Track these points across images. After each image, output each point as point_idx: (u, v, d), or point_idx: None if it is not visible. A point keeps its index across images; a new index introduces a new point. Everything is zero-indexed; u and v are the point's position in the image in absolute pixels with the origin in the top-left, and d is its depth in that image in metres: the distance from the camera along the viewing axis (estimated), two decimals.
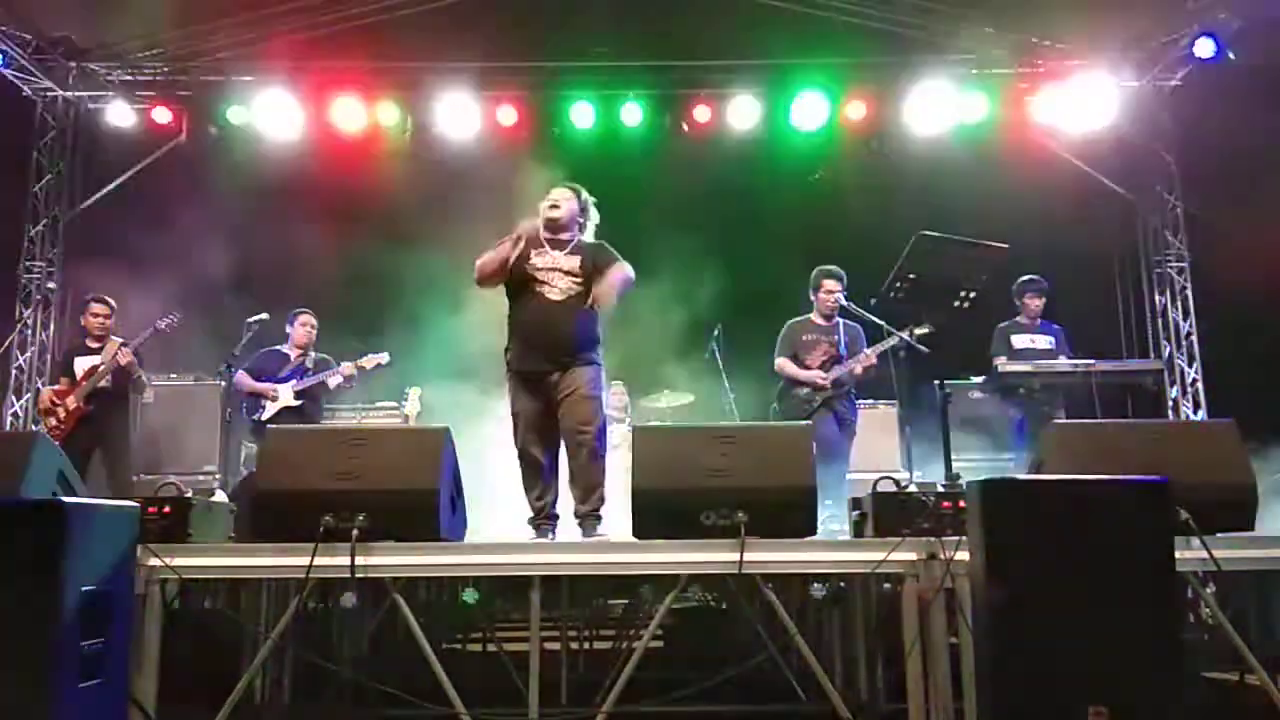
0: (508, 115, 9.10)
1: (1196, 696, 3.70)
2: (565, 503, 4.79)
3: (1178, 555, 2.92)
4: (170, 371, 7.94)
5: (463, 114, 9.03)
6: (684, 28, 8.70)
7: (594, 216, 5.03)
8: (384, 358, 7.04)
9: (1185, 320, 9.31)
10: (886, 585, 4.00)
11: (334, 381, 6.96)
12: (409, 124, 9.19)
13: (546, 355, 4.71)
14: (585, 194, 5.02)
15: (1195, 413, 9.03)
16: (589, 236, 5.01)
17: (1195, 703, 3.43)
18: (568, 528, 4.75)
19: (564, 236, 4.89)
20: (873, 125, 9.19)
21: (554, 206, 4.86)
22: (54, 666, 2.71)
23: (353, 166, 9.11)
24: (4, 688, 2.68)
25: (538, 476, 4.73)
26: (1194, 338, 9.24)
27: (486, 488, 5.57)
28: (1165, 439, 3.81)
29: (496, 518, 5.86)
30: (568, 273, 4.76)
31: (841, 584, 4.09)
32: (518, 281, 4.81)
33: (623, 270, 4.79)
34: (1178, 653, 2.78)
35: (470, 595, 4.19)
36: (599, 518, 4.66)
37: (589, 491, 4.66)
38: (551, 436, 4.72)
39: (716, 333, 6.95)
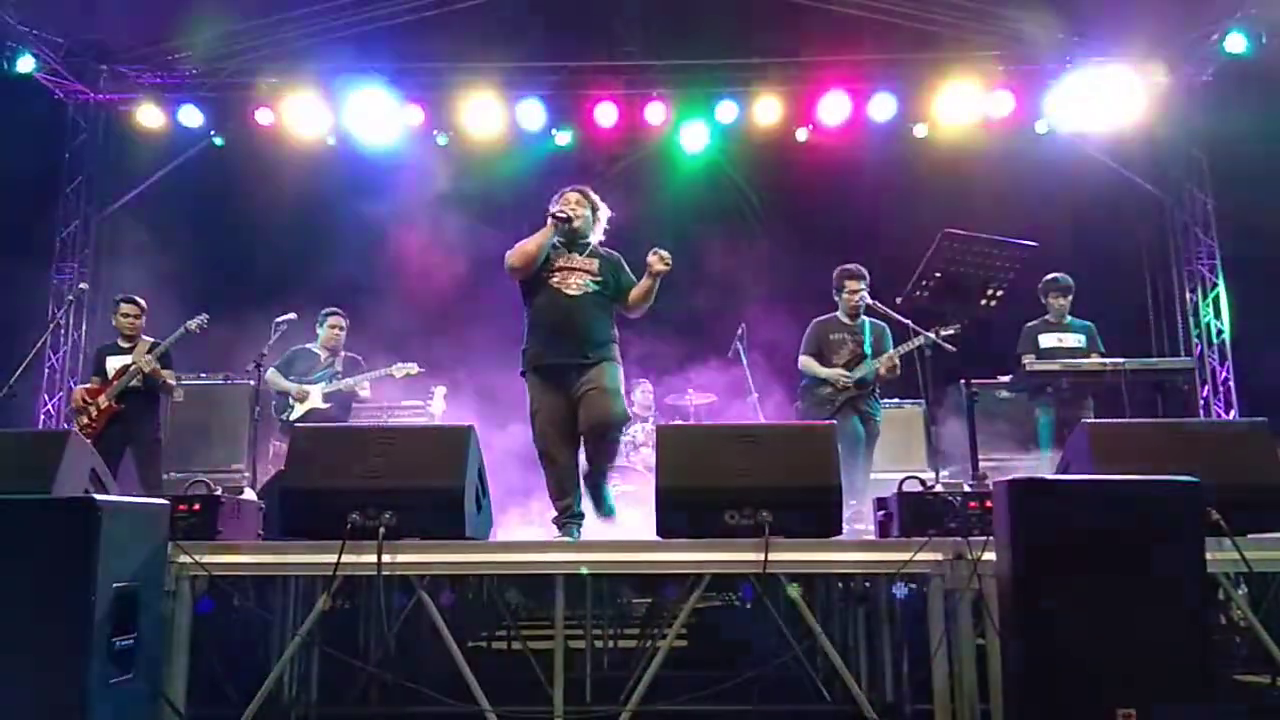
0: (533, 115, 9.13)
1: (1227, 699, 3.65)
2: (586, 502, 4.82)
3: (1209, 556, 2.88)
4: (200, 371, 8.02)
5: (488, 114, 9.07)
6: (709, 26, 8.69)
7: (604, 214, 5.09)
8: (413, 368, 7.05)
9: (1217, 318, 9.21)
10: (912, 585, 3.98)
11: (364, 392, 7.02)
12: (436, 125, 9.25)
13: (566, 349, 4.74)
14: (593, 194, 5.10)
15: (1227, 412, 8.92)
16: (600, 233, 5.07)
17: (1226, 705, 3.38)
18: (592, 526, 4.76)
19: (582, 240, 4.97)
20: (901, 122, 9.15)
21: (574, 215, 4.92)
22: (86, 663, 2.74)
23: (381, 167, 9.19)
24: (37, 684, 2.71)
25: (560, 475, 4.73)
26: (1225, 336, 9.14)
27: (509, 487, 5.59)
28: (1196, 438, 3.75)
29: (519, 516, 5.88)
30: (586, 272, 4.84)
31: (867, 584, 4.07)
32: (536, 280, 4.86)
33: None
34: (1208, 655, 2.74)
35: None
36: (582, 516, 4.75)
37: (599, 480, 4.77)
38: (573, 435, 4.74)
39: (741, 331, 6.93)
